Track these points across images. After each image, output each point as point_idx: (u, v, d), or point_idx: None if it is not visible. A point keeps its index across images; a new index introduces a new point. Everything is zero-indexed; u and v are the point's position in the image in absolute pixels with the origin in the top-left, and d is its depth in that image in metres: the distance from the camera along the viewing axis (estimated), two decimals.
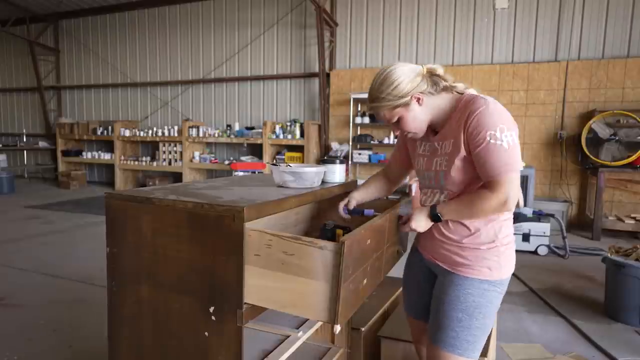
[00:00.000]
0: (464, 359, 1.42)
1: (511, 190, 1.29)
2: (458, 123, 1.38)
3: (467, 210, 1.37)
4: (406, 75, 1.37)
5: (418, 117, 1.42)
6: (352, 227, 1.65)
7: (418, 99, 1.39)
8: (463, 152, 1.36)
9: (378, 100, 1.41)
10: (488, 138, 1.28)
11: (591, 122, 5.80)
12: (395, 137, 7.24)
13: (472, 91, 1.44)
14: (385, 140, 7.23)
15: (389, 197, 1.87)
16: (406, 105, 1.39)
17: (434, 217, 1.43)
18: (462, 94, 1.44)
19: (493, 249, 1.41)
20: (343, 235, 1.60)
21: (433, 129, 1.50)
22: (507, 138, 1.28)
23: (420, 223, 1.46)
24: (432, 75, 1.42)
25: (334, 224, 1.61)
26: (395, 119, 1.43)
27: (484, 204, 1.33)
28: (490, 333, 2.02)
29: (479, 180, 1.38)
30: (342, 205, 1.66)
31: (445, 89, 1.43)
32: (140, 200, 1.28)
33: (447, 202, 1.43)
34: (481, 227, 1.41)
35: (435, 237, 1.50)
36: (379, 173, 1.80)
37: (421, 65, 1.42)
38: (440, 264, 1.49)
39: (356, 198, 1.68)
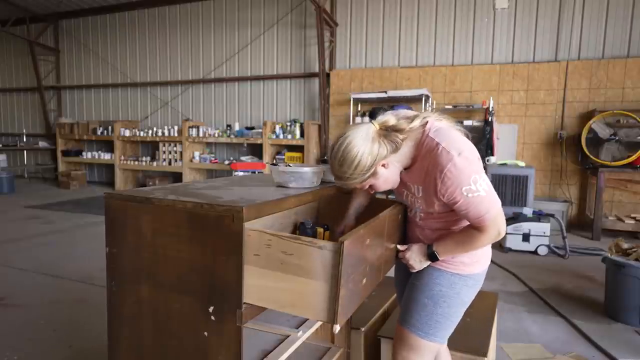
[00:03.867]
0: (424, 341, 1.51)
1: (499, 225, 1.37)
2: (425, 173, 1.38)
3: (463, 249, 1.46)
4: (363, 148, 1.31)
5: (389, 178, 1.42)
6: (330, 225, 1.66)
7: (383, 165, 1.37)
8: (436, 200, 1.41)
9: (344, 179, 1.36)
10: (465, 193, 1.31)
11: (591, 122, 5.80)
12: None
13: (429, 120, 1.40)
14: None
15: (390, 196, 1.87)
16: (374, 174, 1.37)
17: (431, 256, 1.50)
18: (424, 124, 1.40)
19: None
20: (324, 232, 1.60)
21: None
22: (482, 186, 1.31)
23: (416, 263, 1.52)
24: (386, 131, 1.35)
25: (312, 223, 1.62)
26: (367, 186, 1.44)
27: (478, 242, 1.41)
28: (490, 333, 2.02)
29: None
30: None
31: (404, 138, 1.37)
32: (140, 200, 1.28)
33: (443, 241, 1.48)
34: (453, 229, 1.50)
35: (415, 236, 1.60)
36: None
37: (372, 122, 1.36)
38: None
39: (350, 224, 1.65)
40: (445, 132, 1.37)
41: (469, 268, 1.51)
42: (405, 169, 1.45)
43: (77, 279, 3.80)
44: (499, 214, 1.36)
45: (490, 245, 1.57)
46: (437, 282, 1.50)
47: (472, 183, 1.30)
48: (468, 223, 1.43)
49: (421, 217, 1.54)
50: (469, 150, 1.33)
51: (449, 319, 1.51)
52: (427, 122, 1.39)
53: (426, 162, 1.36)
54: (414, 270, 1.54)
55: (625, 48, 6.26)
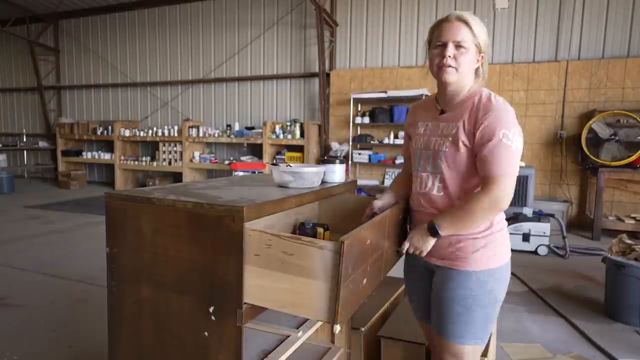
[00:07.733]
0: (468, 347, 1.47)
1: (505, 190, 1.34)
2: (470, 114, 1.41)
3: (463, 214, 1.39)
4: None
5: (469, 65, 1.44)
6: (330, 225, 1.66)
7: (482, 57, 1.46)
8: (467, 141, 1.40)
9: (472, 25, 1.41)
10: (500, 136, 1.33)
11: (591, 122, 5.80)
12: (397, 136, 7.16)
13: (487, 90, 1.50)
14: (385, 140, 7.23)
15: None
16: (476, 49, 1.44)
17: (431, 229, 1.43)
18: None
19: (489, 236, 1.45)
20: (324, 232, 1.60)
21: (442, 109, 1.52)
22: (516, 142, 1.35)
23: (420, 242, 1.46)
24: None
25: (313, 223, 1.62)
26: (461, 49, 1.42)
27: (478, 204, 1.36)
28: (491, 333, 2.02)
29: (473, 175, 1.42)
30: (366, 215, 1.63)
31: (479, 77, 1.49)
32: (140, 200, 1.28)
33: (442, 214, 1.45)
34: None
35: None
36: (398, 175, 1.79)
37: None
38: (437, 261, 1.51)
39: (377, 205, 1.63)
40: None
41: (492, 261, 1.45)
42: (443, 111, 1.51)
43: (77, 279, 3.80)
44: (513, 180, 1.35)
45: (506, 236, 1.52)
46: (464, 285, 1.44)
47: (511, 132, 1.34)
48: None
49: (438, 187, 1.47)
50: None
51: (488, 318, 1.48)
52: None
53: (479, 107, 1.40)
54: (423, 254, 1.48)
55: (625, 48, 6.26)
